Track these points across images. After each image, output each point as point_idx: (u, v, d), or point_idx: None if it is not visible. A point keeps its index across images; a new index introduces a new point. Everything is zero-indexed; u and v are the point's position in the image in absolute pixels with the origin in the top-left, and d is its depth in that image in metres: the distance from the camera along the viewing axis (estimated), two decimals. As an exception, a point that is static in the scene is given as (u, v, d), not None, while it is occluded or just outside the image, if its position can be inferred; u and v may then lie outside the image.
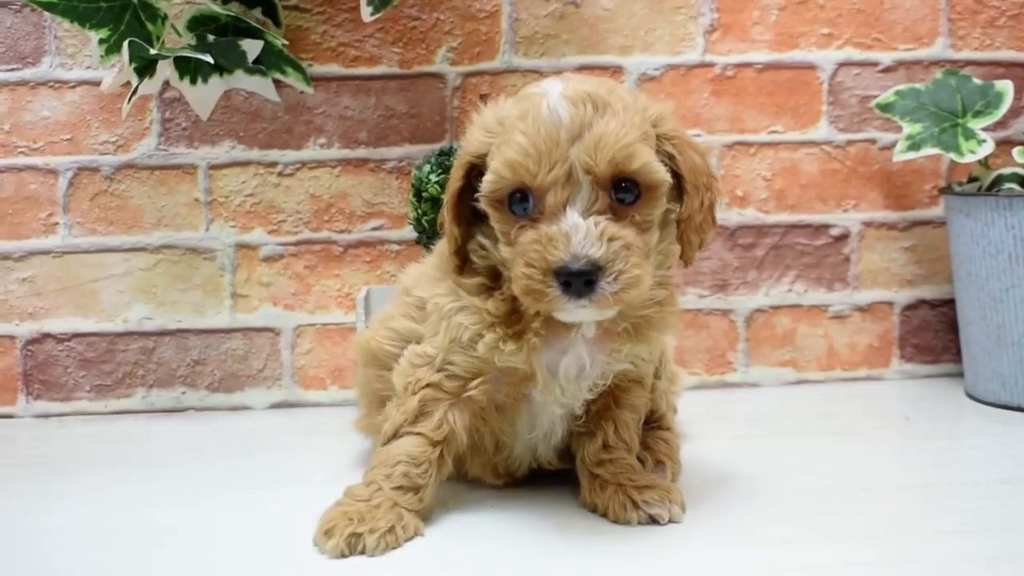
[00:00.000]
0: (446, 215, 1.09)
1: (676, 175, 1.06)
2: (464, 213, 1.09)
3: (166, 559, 1.04)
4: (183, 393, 1.65)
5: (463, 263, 1.10)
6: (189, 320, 1.65)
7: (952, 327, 1.73)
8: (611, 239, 0.98)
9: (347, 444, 1.42)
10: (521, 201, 1.02)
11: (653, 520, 1.09)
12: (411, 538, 1.07)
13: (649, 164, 1.01)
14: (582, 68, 1.66)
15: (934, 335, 1.75)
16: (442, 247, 1.14)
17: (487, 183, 1.04)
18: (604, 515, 1.12)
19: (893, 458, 1.33)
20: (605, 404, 1.16)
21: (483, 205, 1.05)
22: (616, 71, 1.67)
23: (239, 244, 1.64)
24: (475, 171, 1.07)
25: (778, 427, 1.48)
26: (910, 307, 1.75)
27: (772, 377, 1.72)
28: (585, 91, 1.02)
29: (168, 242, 1.64)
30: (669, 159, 1.05)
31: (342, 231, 1.65)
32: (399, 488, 1.09)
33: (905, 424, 1.49)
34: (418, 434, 1.10)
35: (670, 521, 1.09)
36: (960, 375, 1.69)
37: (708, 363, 1.71)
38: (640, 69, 1.67)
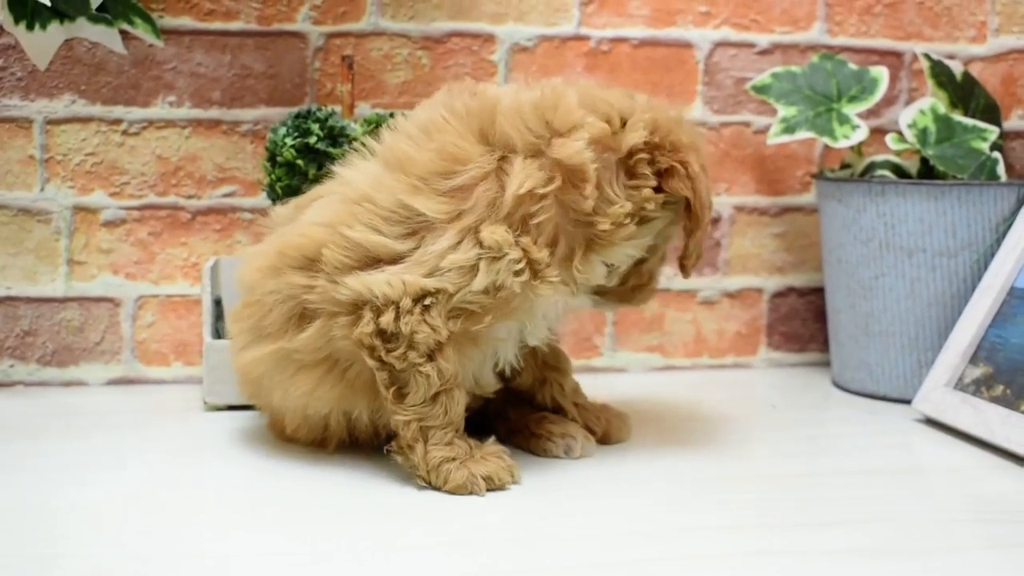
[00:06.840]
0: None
1: None
2: None
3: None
4: (11, 367, 1.53)
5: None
6: (19, 287, 1.53)
7: (820, 316, 1.72)
8: None
9: (190, 424, 1.35)
10: None
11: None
12: None
13: None
14: (452, 35, 1.59)
15: (802, 323, 1.74)
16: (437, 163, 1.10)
17: None
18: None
19: (759, 447, 1.31)
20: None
21: None
22: (488, 39, 1.60)
23: (77, 207, 1.53)
24: None
25: (644, 414, 1.45)
26: (779, 294, 1.73)
27: (638, 363, 1.69)
28: None
29: (-2, 202, 1.52)
30: None
31: (190, 196, 1.56)
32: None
33: (771, 412, 1.47)
34: (456, 388, 1.11)
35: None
36: (827, 364, 1.68)
37: (573, 347, 1.65)
38: (513, 39, 1.61)
